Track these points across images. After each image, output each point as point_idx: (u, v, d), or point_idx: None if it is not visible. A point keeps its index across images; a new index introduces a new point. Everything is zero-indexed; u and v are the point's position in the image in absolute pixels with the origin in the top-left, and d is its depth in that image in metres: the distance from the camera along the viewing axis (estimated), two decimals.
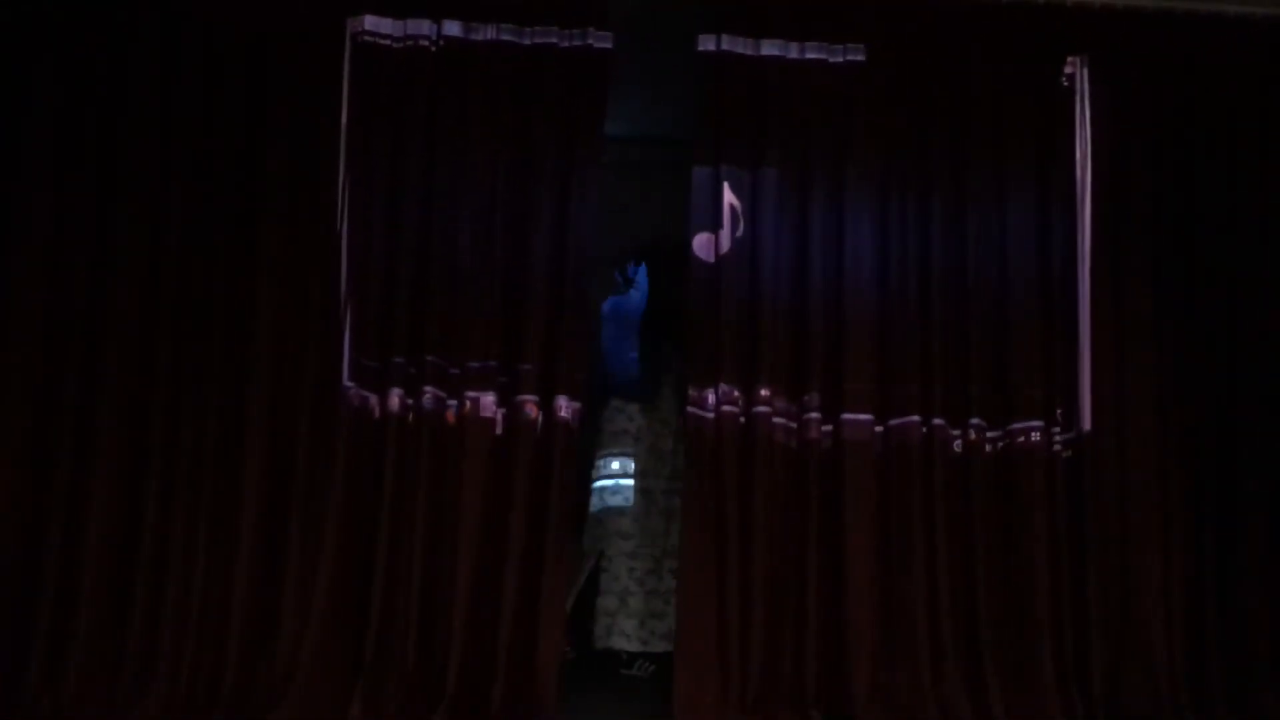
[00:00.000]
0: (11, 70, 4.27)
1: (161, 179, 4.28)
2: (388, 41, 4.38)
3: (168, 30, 4.33)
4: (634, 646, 4.99)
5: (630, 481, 5.11)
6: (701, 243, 4.40)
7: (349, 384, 4.20)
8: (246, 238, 4.27)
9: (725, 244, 4.39)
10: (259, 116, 4.33)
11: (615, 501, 5.10)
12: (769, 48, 4.48)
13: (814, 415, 4.32)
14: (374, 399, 4.23)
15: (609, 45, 4.44)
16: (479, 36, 4.41)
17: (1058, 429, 4.41)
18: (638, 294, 5.42)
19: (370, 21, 4.37)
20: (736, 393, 4.31)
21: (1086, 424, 4.42)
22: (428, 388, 4.22)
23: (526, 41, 4.42)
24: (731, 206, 4.40)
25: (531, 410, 4.24)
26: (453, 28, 4.40)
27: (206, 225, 4.27)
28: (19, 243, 4.20)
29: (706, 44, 4.45)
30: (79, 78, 4.28)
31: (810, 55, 4.50)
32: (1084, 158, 4.54)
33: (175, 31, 4.33)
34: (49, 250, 4.21)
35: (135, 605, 4.06)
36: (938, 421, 4.36)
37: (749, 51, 4.47)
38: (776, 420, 4.31)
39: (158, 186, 4.27)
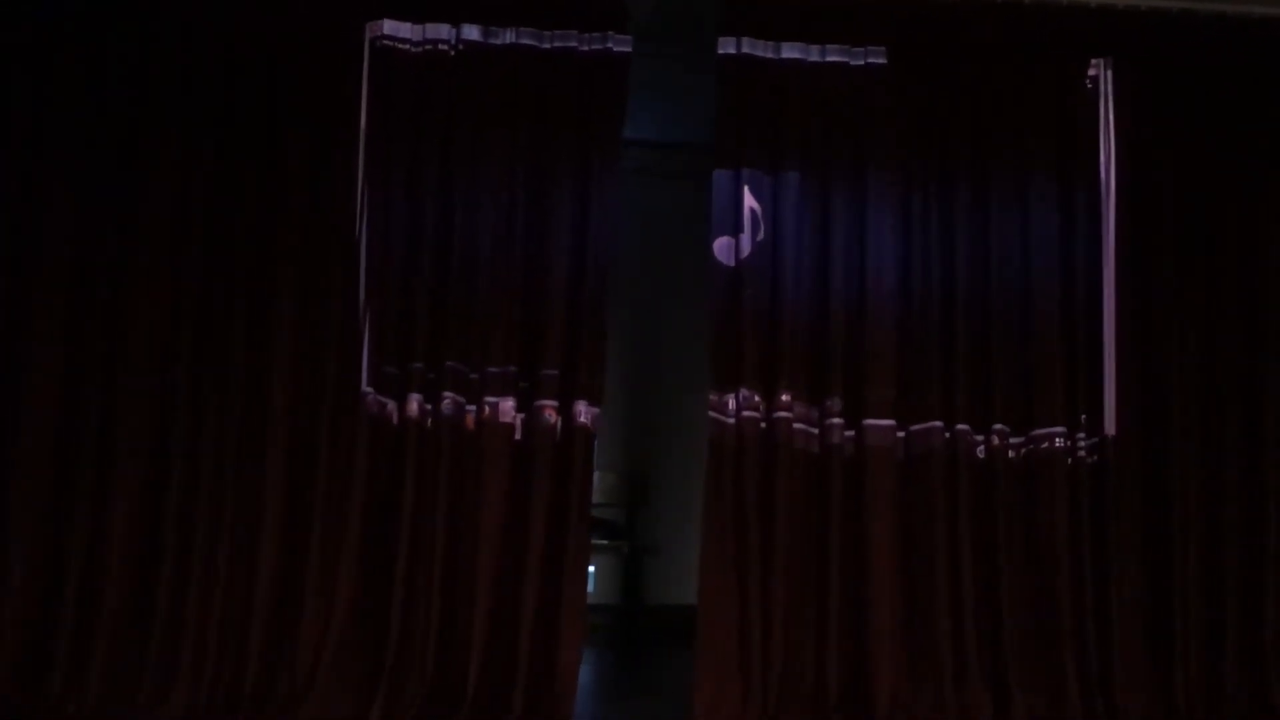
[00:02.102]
0: (33, 77, 4.28)
1: (181, 182, 4.29)
2: (407, 46, 4.38)
3: (187, 35, 4.35)
4: None
5: None
6: (722, 246, 4.38)
7: (368, 390, 4.21)
8: (266, 243, 4.28)
9: (746, 248, 4.36)
10: (278, 121, 4.34)
11: None
12: (789, 50, 4.46)
13: (836, 421, 4.30)
14: (393, 405, 4.23)
15: (628, 49, 4.43)
16: (498, 41, 4.41)
17: (1082, 434, 4.37)
18: None
19: (389, 26, 4.37)
20: (758, 398, 4.29)
21: (1111, 428, 4.38)
22: (447, 393, 4.22)
23: (546, 45, 4.41)
24: (752, 210, 4.38)
25: (551, 415, 4.23)
26: (472, 32, 4.40)
27: (225, 230, 4.28)
28: (42, 251, 4.22)
29: (726, 47, 4.43)
30: (100, 83, 4.30)
31: (831, 58, 4.48)
32: (1108, 160, 4.50)
33: (194, 36, 4.35)
34: (71, 255, 4.23)
35: (157, 611, 4.08)
36: (961, 427, 4.33)
37: (769, 55, 4.45)
38: (798, 426, 4.29)
39: (177, 191, 4.28)
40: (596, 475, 4.54)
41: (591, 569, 4.70)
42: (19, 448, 4.12)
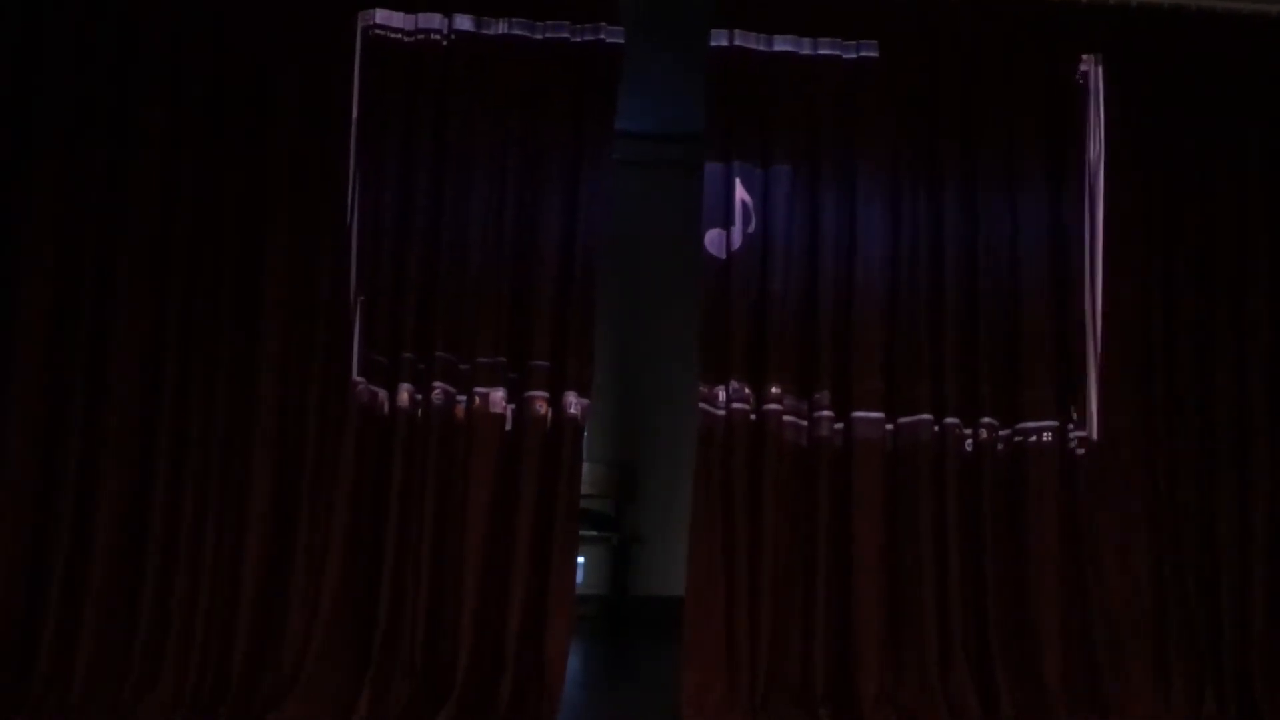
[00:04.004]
0: (20, 65, 4.26)
1: (171, 170, 4.26)
2: (399, 35, 4.36)
3: (177, 23, 4.32)
4: None
5: None
6: (713, 238, 4.38)
7: (358, 379, 4.19)
8: (256, 232, 4.26)
9: (736, 240, 4.36)
10: (269, 109, 4.31)
11: None
12: (781, 43, 4.46)
13: (825, 413, 4.30)
14: (383, 394, 4.22)
15: (621, 40, 4.43)
16: (490, 31, 4.39)
17: (1071, 428, 4.38)
18: None
19: (381, 15, 4.36)
20: (747, 390, 4.29)
21: (1099, 423, 4.39)
22: (437, 383, 4.21)
23: (538, 36, 4.40)
24: (743, 202, 4.38)
25: (541, 406, 4.23)
26: (464, 22, 4.39)
27: (216, 219, 4.26)
28: (28, 236, 4.18)
29: (719, 39, 4.43)
30: (87, 68, 4.26)
31: (823, 51, 4.48)
32: (1097, 156, 4.51)
33: (185, 24, 4.32)
34: (58, 241, 4.19)
35: (143, 600, 4.05)
36: (950, 420, 4.34)
37: (761, 47, 4.45)
38: (787, 418, 4.29)
39: (167, 177, 4.25)
40: (586, 466, 4.54)
41: (580, 560, 4.72)
42: (3, 438, 4.09)
